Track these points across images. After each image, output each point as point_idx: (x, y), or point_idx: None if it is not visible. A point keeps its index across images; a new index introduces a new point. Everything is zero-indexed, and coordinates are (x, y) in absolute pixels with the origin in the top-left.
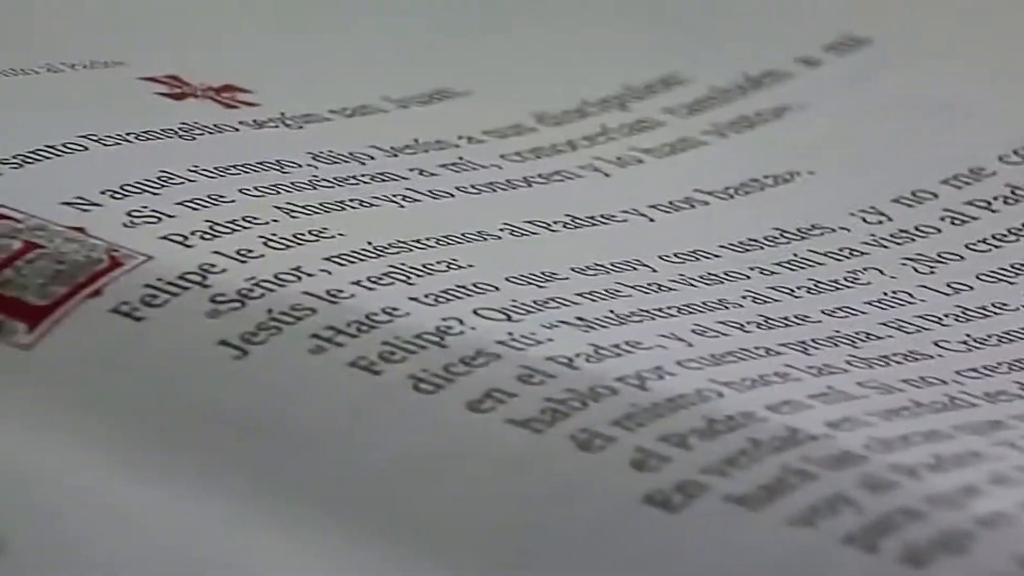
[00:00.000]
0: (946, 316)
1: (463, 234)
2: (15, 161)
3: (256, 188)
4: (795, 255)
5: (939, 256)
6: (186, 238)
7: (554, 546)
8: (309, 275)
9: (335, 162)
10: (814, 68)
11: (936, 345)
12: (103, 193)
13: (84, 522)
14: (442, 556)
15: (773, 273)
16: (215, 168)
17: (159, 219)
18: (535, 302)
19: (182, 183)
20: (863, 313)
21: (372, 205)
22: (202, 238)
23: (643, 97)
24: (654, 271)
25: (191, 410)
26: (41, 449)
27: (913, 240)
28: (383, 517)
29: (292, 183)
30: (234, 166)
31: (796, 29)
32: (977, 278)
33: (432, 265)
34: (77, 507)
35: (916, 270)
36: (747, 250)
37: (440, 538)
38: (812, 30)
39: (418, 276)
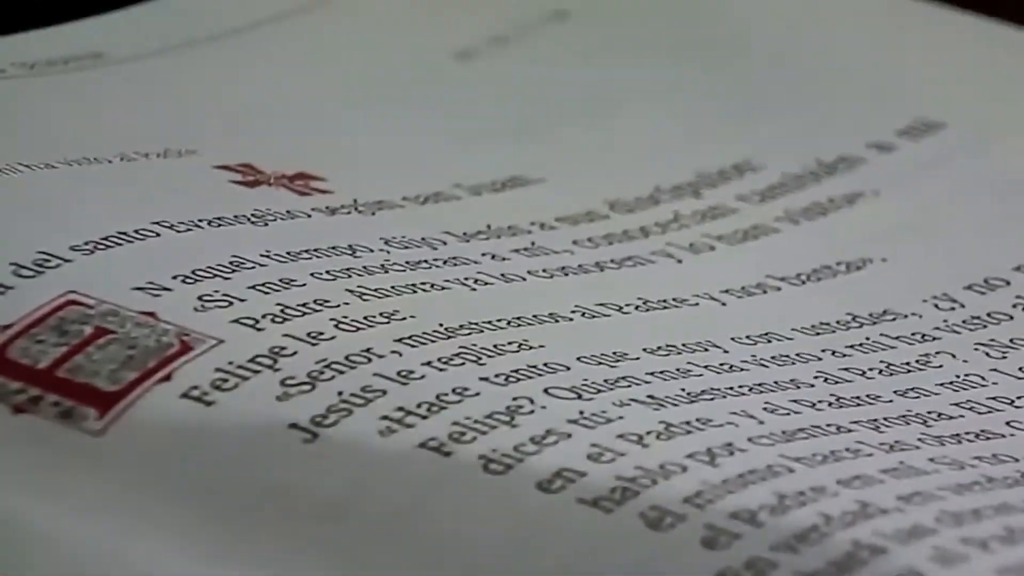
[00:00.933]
0: (1019, 398)
1: (534, 315)
2: (87, 248)
3: (328, 272)
4: (867, 338)
5: (1011, 342)
6: (257, 321)
7: None
8: (380, 356)
9: (407, 247)
10: (887, 153)
11: (1008, 425)
12: (174, 278)
13: None
14: None
15: (845, 355)
16: (287, 253)
17: (230, 303)
18: (606, 381)
19: (253, 267)
20: (935, 394)
21: (443, 288)
22: (273, 321)
23: (716, 184)
24: (725, 352)
25: (262, 494)
26: (112, 536)
27: (985, 327)
28: None
29: (364, 267)
30: (306, 251)
31: (869, 114)
32: None
33: (503, 345)
34: None
35: (988, 355)
36: (819, 333)
37: None
38: (885, 115)
39: (489, 356)
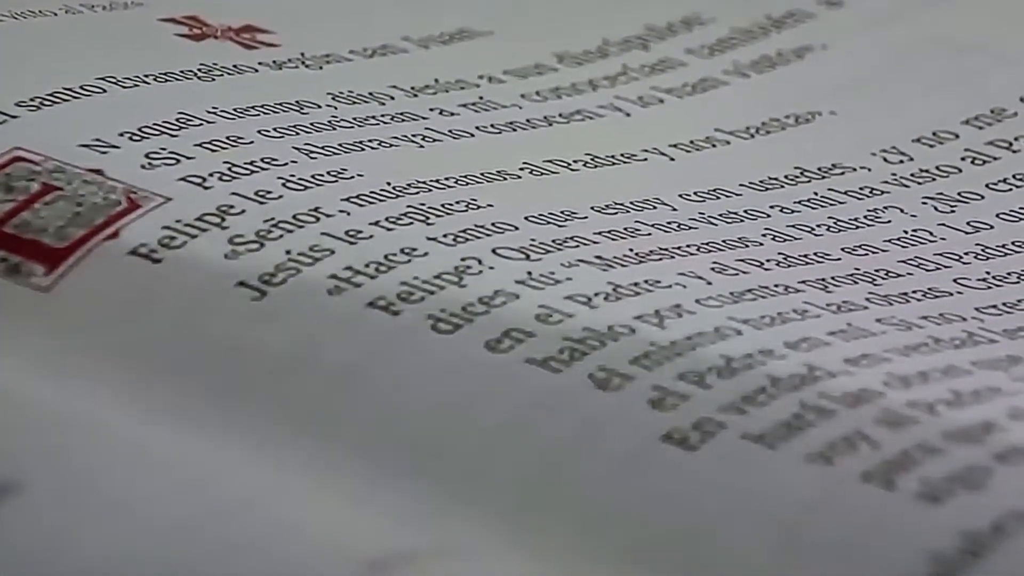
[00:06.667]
0: (966, 254)
1: (482, 173)
2: (33, 103)
3: (275, 129)
4: (816, 193)
5: (960, 195)
6: (204, 179)
7: (573, 486)
8: (328, 216)
9: (355, 102)
10: (836, 8)
11: (956, 282)
12: (121, 135)
13: (102, 463)
14: (463, 496)
15: (793, 211)
16: (234, 109)
17: (177, 160)
18: (554, 241)
19: (201, 124)
20: (883, 251)
21: (391, 145)
22: (221, 179)
23: (664, 37)
24: (674, 210)
25: (209, 351)
26: (59, 391)
27: (934, 179)
28: (404, 457)
29: (311, 124)
30: (253, 107)
31: None
32: (997, 217)
33: (451, 205)
34: (95, 448)
35: (936, 209)
36: (767, 189)
37: (461, 478)
38: None
39: (437, 216)
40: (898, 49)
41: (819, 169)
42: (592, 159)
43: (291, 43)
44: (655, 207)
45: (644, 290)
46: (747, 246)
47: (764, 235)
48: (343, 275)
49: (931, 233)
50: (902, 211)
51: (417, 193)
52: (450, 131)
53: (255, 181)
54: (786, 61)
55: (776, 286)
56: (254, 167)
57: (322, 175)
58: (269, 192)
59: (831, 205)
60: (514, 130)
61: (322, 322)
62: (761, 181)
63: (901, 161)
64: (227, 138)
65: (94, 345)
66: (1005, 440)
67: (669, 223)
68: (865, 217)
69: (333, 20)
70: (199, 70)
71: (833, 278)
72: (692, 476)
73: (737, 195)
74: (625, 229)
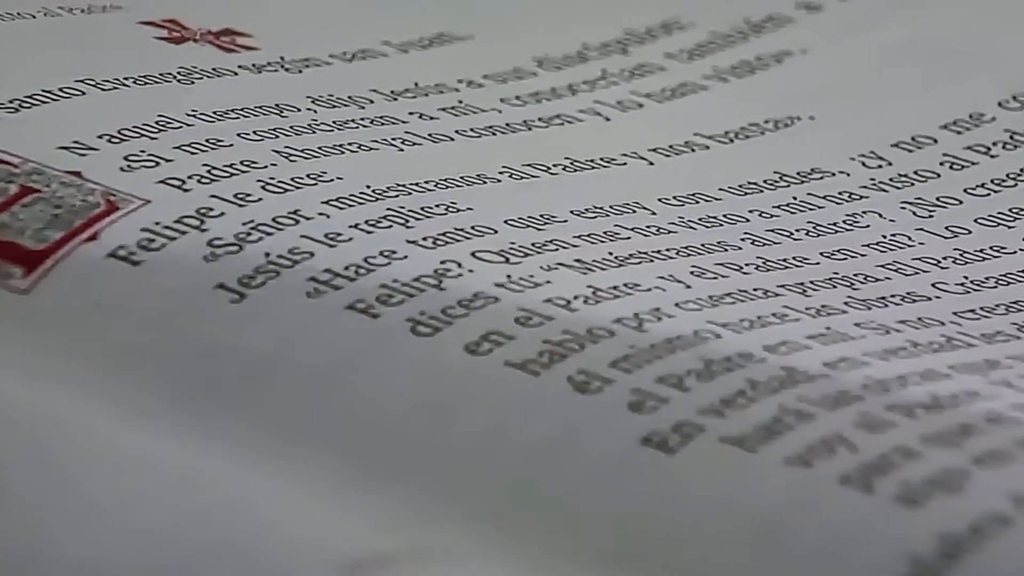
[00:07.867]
0: (944, 259)
1: (462, 177)
2: (11, 106)
3: (255, 132)
4: (795, 198)
5: (938, 200)
6: (184, 182)
7: (552, 489)
8: (307, 218)
9: (334, 106)
10: (815, 13)
11: (934, 287)
12: (100, 137)
13: (81, 465)
14: (442, 499)
15: (772, 216)
16: (213, 112)
17: (157, 163)
18: (534, 245)
19: (180, 127)
20: (862, 255)
21: (371, 149)
22: (200, 182)
23: (644, 42)
24: (653, 213)
25: (189, 354)
26: (38, 393)
27: (912, 184)
28: (384, 460)
29: (291, 127)
30: (233, 110)
31: None
32: (975, 222)
33: (431, 208)
34: (74, 450)
35: (915, 214)
36: (747, 193)
37: (440, 481)
38: None
39: (416, 219)
40: (877, 54)
41: (798, 174)
42: (572, 163)
43: (271, 46)
44: (634, 211)
45: (623, 293)
46: (726, 250)
47: (743, 239)
48: (322, 278)
49: (909, 238)
50: (881, 216)
51: (397, 196)
52: (430, 135)
53: (234, 184)
54: (765, 66)
55: (755, 290)
56: (233, 170)
57: (301, 178)
58: (248, 195)
59: (810, 210)
60: (494, 134)
61: (301, 324)
62: (740, 185)
63: (880, 166)
64: (206, 141)
65: (73, 347)
66: (983, 443)
67: (648, 227)
68: (844, 222)
69: (313, 24)
70: (178, 73)
71: (812, 282)
72: (671, 479)
73: (716, 199)
74: (604, 233)
